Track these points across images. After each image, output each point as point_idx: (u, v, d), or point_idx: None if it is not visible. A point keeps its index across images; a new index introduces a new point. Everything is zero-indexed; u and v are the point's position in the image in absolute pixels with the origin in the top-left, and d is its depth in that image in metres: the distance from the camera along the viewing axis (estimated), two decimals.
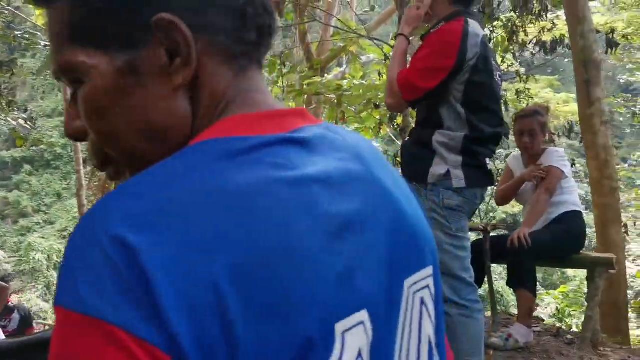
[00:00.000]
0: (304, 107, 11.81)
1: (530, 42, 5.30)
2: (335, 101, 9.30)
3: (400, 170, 2.37)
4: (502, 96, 5.84)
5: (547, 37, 5.31)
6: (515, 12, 5.24)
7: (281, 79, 7.43)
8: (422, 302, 0.56)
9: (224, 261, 0.39)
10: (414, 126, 2.38)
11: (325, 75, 13.35)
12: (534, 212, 3.16)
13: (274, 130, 0.50)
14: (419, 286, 0.56)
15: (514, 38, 5.30)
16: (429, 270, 0.58)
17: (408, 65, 2.20)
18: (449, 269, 2.09)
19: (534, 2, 5.08)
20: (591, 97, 4.09)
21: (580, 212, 3.26)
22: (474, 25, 2.12)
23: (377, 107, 8.26)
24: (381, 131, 9.04)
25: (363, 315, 0.48)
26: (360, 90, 8.21)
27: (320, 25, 13.63)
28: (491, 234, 3.45)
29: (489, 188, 2.40)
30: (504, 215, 17.08)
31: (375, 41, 7.26)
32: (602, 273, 3.09)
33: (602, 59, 4.37)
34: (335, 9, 12.66)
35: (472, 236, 4.05)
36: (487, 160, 2.19)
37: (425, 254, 0.58)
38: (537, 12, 5.08)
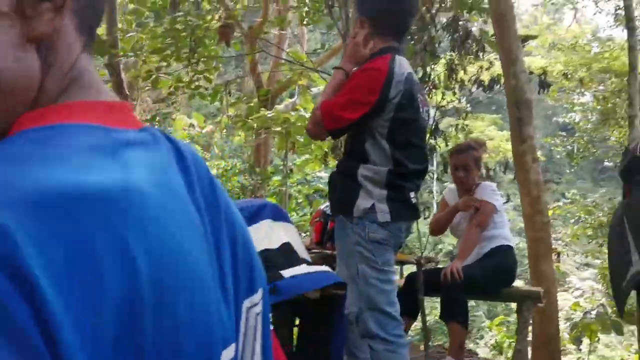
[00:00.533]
0: (254, 137, 11.69)
1: (469, 80, 5.47)
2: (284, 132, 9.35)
3: (329, 201, 2.38)
4: (443, 131, 6.00)
5: (485, 76, 5.49)
6: (454, 52, 5.42)
7: (227, 108, 7.38)
8: (255, 324, 0.55)
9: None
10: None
11: (276, 105, 13.42)
12: (466, 246, 3.22)
13: (125, 124, 0.47)
14: (255, 309, 0.55)
15: (454, 76, 5.46)
16: (260, 292, 0.57)
17: None
18: (375, 303, 2.09)
19: (471, 42, 5.26)
20: (523, 135, 4.24)
21: (511, 247, 3.34)
22: (400, 62, 2.18)
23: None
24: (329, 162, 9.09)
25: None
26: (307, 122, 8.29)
27: (272, 57, 13.73)
28: (428, 267, 3.49)
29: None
30: (450, 247, 17.40)
31: (322, 73, 7.36)
32: (530, 307, 3.15)
33: (535, 98, 4.55)
34: (286, 42, 12.80)
35: (408, 269, 4.07)
36: (412, 194, 2.22)
37: (258, 274, 0.57)
38: (474, 52, 5.26)
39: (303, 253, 2.12)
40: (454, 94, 5.78)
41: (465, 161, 3.36)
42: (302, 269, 1.95)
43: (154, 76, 5.76)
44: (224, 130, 15.41)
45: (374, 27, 2.25)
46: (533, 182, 4.27)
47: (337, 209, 2.23)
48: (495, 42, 4.45)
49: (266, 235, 2.06)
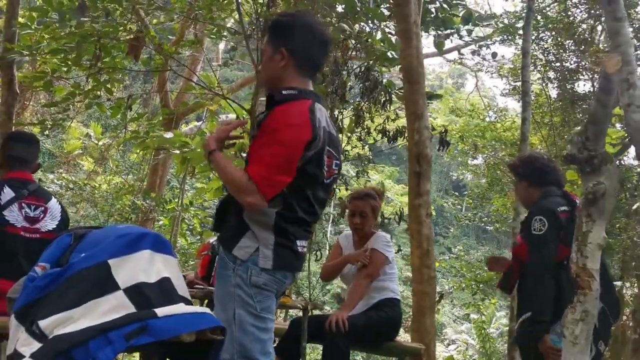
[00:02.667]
0: (152, 156, 11.19)
1: (375, 129, 5.57)
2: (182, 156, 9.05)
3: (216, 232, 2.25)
4: (343, 175, 6.04)
5: (390, 127, 5.62)
6: (363, 99, 5.51)
7: (127, 123, 7.04)
8: None
9: None
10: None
11: (182, 126, 13.05)
12: (354, 296, 3.18)
13: None
14: None
15: (360, 122, 5.55)
16: None
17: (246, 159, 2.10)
18: (249, 352, 1.96)
19: (380, 92, 5.38)
20: (421, 189, 4.32)
21: (398, 300, 3.34)
22: (320, 112, 2.11)
23: None
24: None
25: None
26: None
27: (182, 77, 13.42)
28: (312, 313, 3.41)
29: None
30: (338, 290, 17.51)
31: (230, 101, 7.23)
32: None
33: (434, 154, 4.70)
34: (199, 65, 12.57)
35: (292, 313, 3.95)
36: (301, 242, 2.13)
37: None
38: (382, 102, 5.38)
39: (182, 290, 1.96)
40: (359, 140, 5.85)
41: (363, 208, 3.36)
42: (179, 308, 1.79)
43: (46, 79, 5.36)
44: (121, 145, 14.78)
45: (291, 59, 2.18)
46: (424, 236, 4.35)
47: (222, 243, 2.10)
48: (404, 97, 4.55)
49: (144, 267, 1.89)
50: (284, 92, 2.14)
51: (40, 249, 2.87)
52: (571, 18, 11.52)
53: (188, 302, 1.93)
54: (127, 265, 1.87)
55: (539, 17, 11.71)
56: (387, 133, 5.54)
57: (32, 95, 10.25)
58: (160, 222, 12.20)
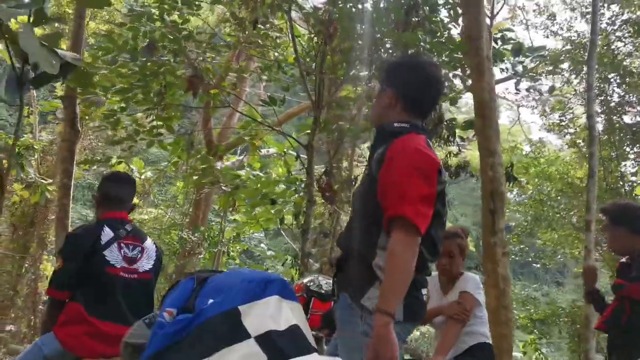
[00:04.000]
0: (195, 191, 11.26)
1: None
2: (229, 189, 9.12)
3: (335, 280, 2.18)
4: None
5: (452, 162, 5.54)
6: None
7: (187, 160, 7.13)
8: None
9: None
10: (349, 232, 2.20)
11: (224, 161, 13.19)
12: (447, 341, 3.06)
13: None
14: None
15: None
16: None
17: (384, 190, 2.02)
18: None
19: (443, 127, 5.33)
20: (496, 226, 4.23)
21: (490, 344, 3.22)
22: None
23: (273, 202, 8.15)
24: (279, 225, 8.91)
25: None
26: (258, 185, 8.12)
27: (223, 111, 13.60)
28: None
29: None
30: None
31: (281, 134, 7.28)
32: None
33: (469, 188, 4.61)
34: (243, 98, 12.76)
35: None
36: (424, 290, 2.07)
37: None
38: (445, 137, 5.32)
39: (311, 339, 1.89)
40: None
41: (450, 248, 3.26)
42: (313, 358, 1.72)
43: (116, 117, 5.45)
44: (161, 179, 14.96)
45: (399, 98, 2.16)
46: (501, 275, 4.23)
47: (346, 290, 2.03)
48: (476, 132, 4.49)
49: (272, 314, 1.82)
50: (395, 124, 2.12)
51: (138, 289, 2.87)
52: (615, 52, 11.43)
53: (317, 351, 1.86)
54: (255, 312, 1.81)
55: (578, 51, 11.66)
56: (450, 168, 5.46)
57: (84, 130, 10.45)
58: (201, 256, 12.24)
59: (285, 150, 9.96)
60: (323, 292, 3.74)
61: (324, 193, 5.49)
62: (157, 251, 3.00)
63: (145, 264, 2.90)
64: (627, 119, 11.12)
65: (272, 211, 8.71)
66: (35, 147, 10.20)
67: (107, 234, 2.82)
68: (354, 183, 5.80)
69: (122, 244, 2.85)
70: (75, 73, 2.82)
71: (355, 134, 7.03)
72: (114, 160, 7.01)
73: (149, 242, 2.98)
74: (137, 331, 2.10)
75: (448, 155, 5.60)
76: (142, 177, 14.38)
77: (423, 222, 1.92)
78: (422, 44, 5.19)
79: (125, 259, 2.83)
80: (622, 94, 11.39)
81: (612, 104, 11.26)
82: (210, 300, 1.87)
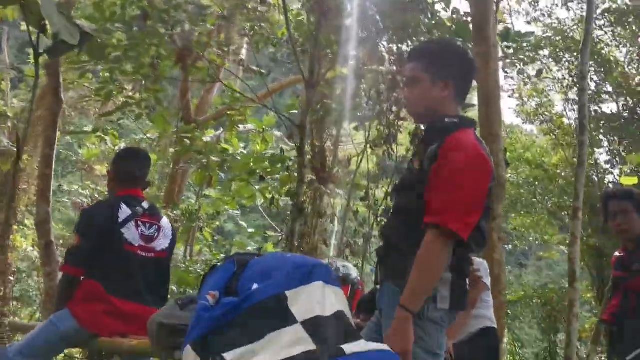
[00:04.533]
0: (172, 165, 11.08)
1: None
2: (206, 163, 9.02)
3: (378, 269, 2.17)
4: None
5: None
6: None
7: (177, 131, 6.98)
8: None
9: None
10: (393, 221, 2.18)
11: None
12: (458, 325, 3.10)
13: None
14: None
15: (416, 141, 5.50)
16: None
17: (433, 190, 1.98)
18: None
19: None
20: (495, 212, 4.27)
21: (495, 329, 3.27)
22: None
23: (262, 179, 8.09)
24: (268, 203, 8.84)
25: None
26: (251, 160, 8.04)
27: (200, 84, 13.35)
28: None
29: None
30: None
31: (272, 111, 7.17)
32: None
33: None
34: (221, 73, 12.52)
35: None
36: (468, 280, 2.08)
37: None
38: None
39: (354, 325, 1.88)
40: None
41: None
42: (362, 345, 1.71)
43: (109, 88, 5.29)
44: None
45: (452, 90, 2.12)
46: (496, 261, 4.30)
47: (391, 277, 2.03)
48: (480, 119, 4.51)
49: (318, 300, 1.81)
50: (447, 120, 2.08)
51: (155, 268, 2.82)
52: (595, 41, 11.59)
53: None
54: (302, 298, 1.79)
55: (558, 39, 11.80)
56: None
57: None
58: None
59: (263, 127, 9.87)
60: (341, 275, 3.75)
61: (318, 173, 5.46)
62: (173, 230, 2.95)
63: (162, 242, 2.85)
64: (603, 107, 11.34)
65: (257, 187, 8.63)
66: (9, 114, 9.86)
67: (124, 211, 2.74)
68: (349, 164, 5.79)
69: (139, 222, 2.78)
70: (90, 44, 2.71)
71: (341, 115, 7.00)
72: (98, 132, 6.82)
73: (165, 221, 2.92)
74: (170, 312, 2.06)
75: None
76: (116, 148, 14.10)
77: (467, 231, 1.91)
78: (421, 27, 5.17)
79: (142, 237, 2.77)
80: (598, 82, 11.60)
81: (589, 93, 11.47)
82: (255, 285, 1.84)
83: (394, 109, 5.67)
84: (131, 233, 2.72)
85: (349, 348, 1.67)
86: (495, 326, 3.29)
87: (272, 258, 2.03)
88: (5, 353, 2.53)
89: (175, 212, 11.33)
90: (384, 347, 1.73)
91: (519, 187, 11.44)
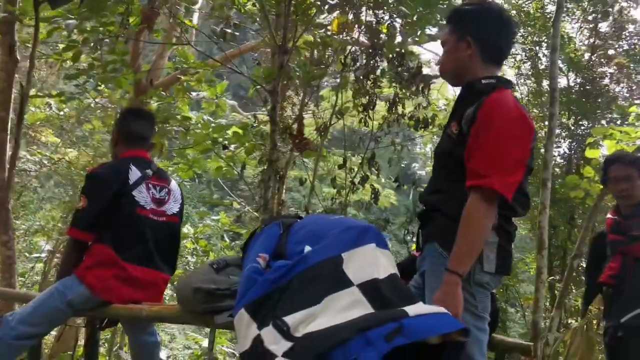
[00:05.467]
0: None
1: (407, 115, 5.52)
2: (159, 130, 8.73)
3: (420, 233, 2.14)
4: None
5: (421, 114, 5.58)
6: (398, 84, 5.44)
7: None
8: None
9: None
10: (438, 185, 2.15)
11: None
12: None
13: None
14: None
15: (394, 109, 5.50)
16: None
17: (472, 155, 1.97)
18: (468, 354, 1.87)
19: (417, 78, 5.33)
20: None
21: (494, 293, 3.33)
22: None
23: (225, 148, 7.91)
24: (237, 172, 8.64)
25: None
26: (210, 129, 7.83)
27: (152, 47, 12.86)
28: None
29: None
30: None
31: (242, 75, 6.96)
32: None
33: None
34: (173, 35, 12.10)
35: None
36: (512, 244, 2.09)
37: None
38: (420, 88, 5.32)
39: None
40: (388, 127, 5.79)
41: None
42: (422, 307, 1.68)
43: (77, 48, 4.98)
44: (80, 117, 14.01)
45: (477, 48, 2.11)
46: None
47: (437, 240, 2.00)
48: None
49: (372, 263, 1.77)
50: (484, 81, 2.07)
51: (166, 232, 2.69)
52: (547, 15, 11.85)
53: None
54: (356, 260, 1.75)
55: (513, 13, 11.99)
56: (419, 120, 5.50)
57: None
58: None
59: (217, 95, 9.62)
60: None
61: (295, 140, 5.37)
62: (181, 194, 2.82)
63: (173, 206, 2.72)
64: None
65: (222, 156, 8.44)
66: None
67: (134, 173, 2.59)
68: (326, 131, 5.70)
69: (149, 185, 2.64)
70: None
71: (308, 80, 6.89)
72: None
73: (174, 184, 2.79)
74: (206, 276, 1.98)
75: (417, 107, 5.62)
76: (62, 113, 13.44)
77: (510, 191, 1.91)
78: None
79: (153, 200, 2.63)
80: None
81: (541, 67, 11.75)
82: (307, 247, 1.78)
83: (371, 77, 5.62)
84: (142, 196, 2.58)
85: (411, 310, 1.64)
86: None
87: (319, 220, 1.97)
88: (6, 321, 2.36)
89: None
90: (442, 309, 1.72)
91: None
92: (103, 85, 8.92)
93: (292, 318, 1.61)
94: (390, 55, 5.60)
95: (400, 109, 5.56)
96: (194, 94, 11.43)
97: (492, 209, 1.90)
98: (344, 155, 5.50)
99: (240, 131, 6.62)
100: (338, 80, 6.40)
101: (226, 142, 7.60)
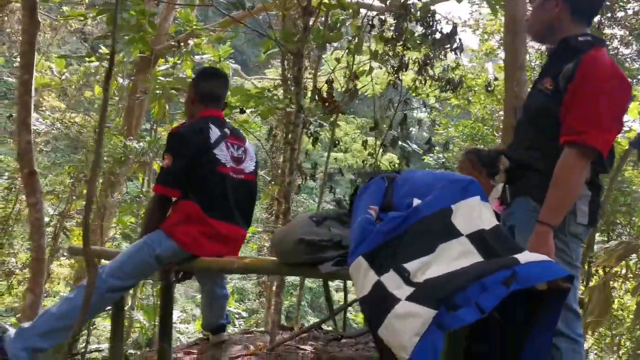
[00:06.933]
0: (131, 94, 10.67)
1: (437, 77, 5.52)
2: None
3: (509, 187, 2.18)
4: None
5: (452, 76, 5.59)
6: (429, 46, 5.41)
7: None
8: None
9: None
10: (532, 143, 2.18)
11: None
12: None
13: None
14: None
15: (424, 70, 5.49)
16: None
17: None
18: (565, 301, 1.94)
19: (451, 38, 5.31)
20: None
21: None
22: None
23: (242, 111, 7.89)
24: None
25: None
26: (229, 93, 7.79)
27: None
28: None
29: None
30: None
31: (267, 37, 6.88)
32: None
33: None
34: None
35: None
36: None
37: None
38: (452, 49, 5.31)
39: None
40: (415, 88, 5.79)
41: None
42: (530, 256, 1.74)
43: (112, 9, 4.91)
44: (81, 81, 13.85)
45: (566, 5, 2.12)
46: None
47: (529, 193, 2.05)
48: (505, 48, 4.53)
49: (478, 214, 1.82)
50: (580, 39, 2.08)
51: (244, 190, 2.73)
52: None
53: None
54: (464, 211, 1.80)
55: None
56: (451, 81, 5.50)
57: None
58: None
59: (220, 57, 9.55)
60: None
61: (324, 103, 5.36)
62: (255, 153, 2.86)
63: (249, 165, 2.76)
64: None
65: (235, 120, 8.41)
66: None
67: (214, 132, 2.63)
68: (355, 94, 5.68)
69: (228, 143, 2.68)
70: None
71: (324, 43, 6.85)
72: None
73: (249, 144, 2.83)
74: (308, 229, 2.02)
75: (447, 69, 5.63)
76: (63, 77, 13.29)
77: (606, 148, 1.97)
78: None
79: (232, 158, 2.67)
80: None
81: None
82: (416, 200, 1.83)
83: (401, 38, 5.58)
84: (223, 154, 2.62)
85: (522, 257, 1.69)
86: None
87: (422, 175, 2.02)
88: (100, 274, 2.41)
89: (140, 144, 10.95)
90: (546, 257, 1.77)
91: (483, 122, 11.66)
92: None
93: (410, 265, 1.67)
94: (419, 15, 5.57)
95: (430, 71, 5.55)
96: (197, 57, 11.33)
97: (586, 165, 1.95)
98: (374, 117, 5.50)
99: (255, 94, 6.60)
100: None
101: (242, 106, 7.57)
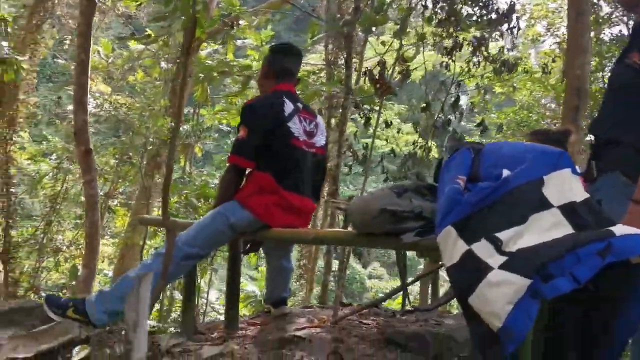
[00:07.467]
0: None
1: (493, 58, 5.42)
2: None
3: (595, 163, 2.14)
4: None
5: (506, 57, 5.49)
6: (485, 25, 5.32)
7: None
8: None
9: None
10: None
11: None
12: None
13: None
14: None
15: (479, 50, 5.41)
16: None
17: None
18: None
19: (512, 19, 5.21)
20: (578, 123, 4.28)
21: None
22: None
23: None
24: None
25: None
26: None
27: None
28: None
29: None
30: None
31: (317, 19, 6.89)
32: None
33: None
34: None
35: None
36: None
37: None
38: (509, 29, 5.21)
39: None
40: (468, 70, 5.70)
41: None
42: (624, 228, 1.70)
43: None
44: (125, 66, 14.07)
45: None
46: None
47: (623, 170, 2.00)
48: (568, 28, 4.43)
49: (570, 187, 1.79)
50: None
51: (315, 164, 2.76)
52: None
53: None
54: (555, 183, 1.77)
55: None
56: (506, 62, 5.40)
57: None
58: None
59: (262, 42, 9.58)
60: None
61: (376, 85, 5.33)
62: (325, 128, 2.89)
63: (320, 139, 2.80)
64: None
65: None
66: (7, 19, 9.23)
67: (288, 105, 2.66)
68: (407, 76, 5.64)
69: (301, 117, 2.71)
70: None
71: (369, 26, 6.80)
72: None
73: (319, 118, 2.85)
74: (389, 200, 2.02)
75: (501, 50, 5.53)
76: (110, 60, 13.52)
77: None
78: None
79: (305, 132, 2.70)
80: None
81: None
82: (506, 171, 1.81)
83: (452, 19, 5.50)
84: (296, 127, 2.66)
85: (617, 230, 1.65)
86: None
87: (510, 146, 1.99)
88: (175, 242, 2.47)
89: (186, 126, 11.11)
90: (635, 230, 1.73)
91: (529, 109, 11.45)
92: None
93: (503, 235, 1.65)
94: None
95: (484, 52, 5.46)
96: (238, 42, 11.39)
97: None
98: (426, 99, 5.45)
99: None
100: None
101: None
